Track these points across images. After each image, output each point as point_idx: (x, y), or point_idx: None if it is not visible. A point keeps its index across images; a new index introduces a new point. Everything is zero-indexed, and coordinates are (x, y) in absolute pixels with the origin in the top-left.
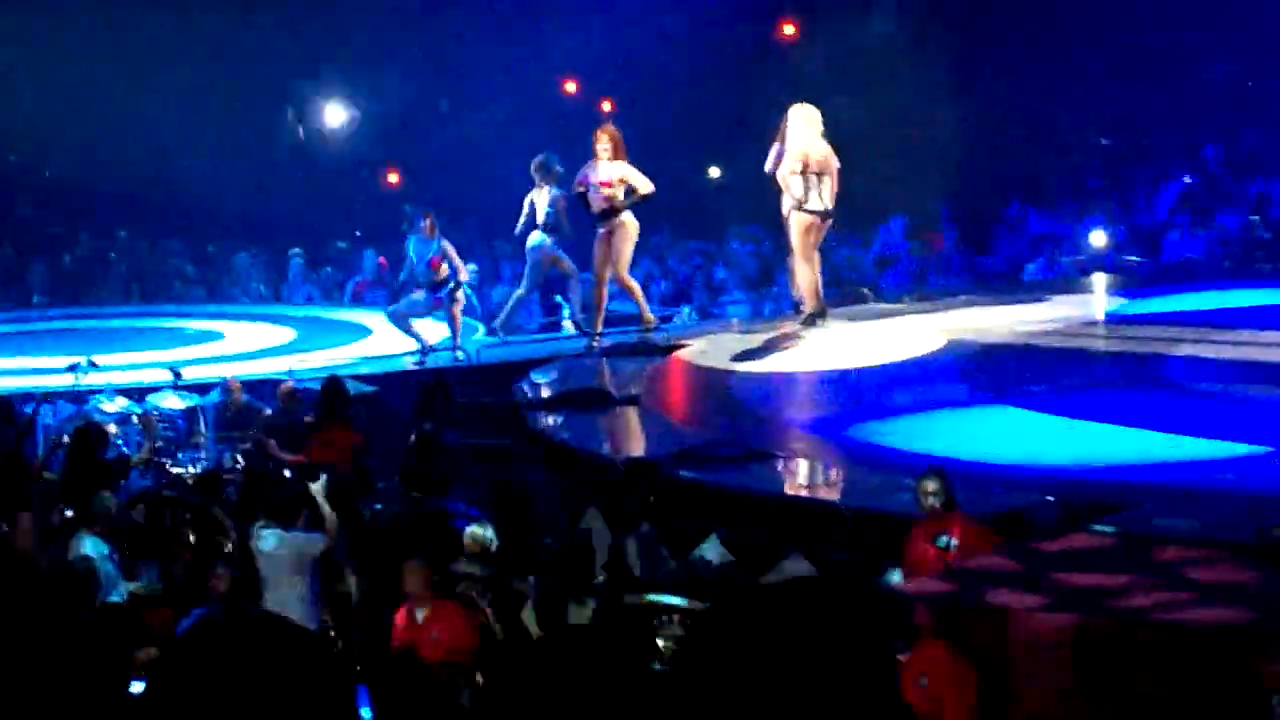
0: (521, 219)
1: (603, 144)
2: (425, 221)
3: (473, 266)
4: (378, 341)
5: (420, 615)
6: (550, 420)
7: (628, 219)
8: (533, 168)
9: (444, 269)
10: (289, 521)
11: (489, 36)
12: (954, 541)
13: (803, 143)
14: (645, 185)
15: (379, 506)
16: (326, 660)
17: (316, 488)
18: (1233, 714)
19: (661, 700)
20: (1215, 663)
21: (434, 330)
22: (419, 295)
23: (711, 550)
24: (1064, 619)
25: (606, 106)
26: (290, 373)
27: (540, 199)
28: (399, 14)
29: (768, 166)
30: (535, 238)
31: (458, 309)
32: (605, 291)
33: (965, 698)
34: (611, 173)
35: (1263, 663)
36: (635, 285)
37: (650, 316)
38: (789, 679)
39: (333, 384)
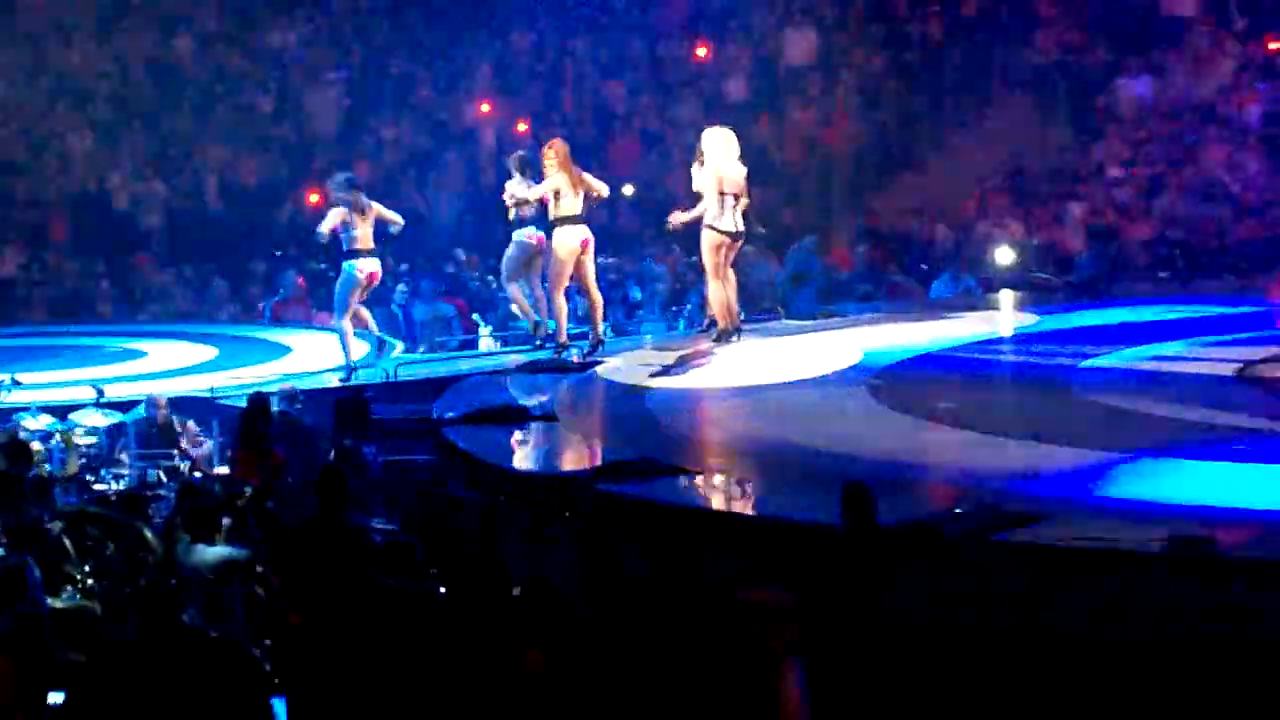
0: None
1: (549, 158)
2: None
3: (402, 287)
4: (298, 359)
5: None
6: (468, 437)
7: (559, 233)
8: (518, 163)
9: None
10: (211, 536)
11: (407, 57)
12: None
13: (718, 164)
14: (601, 187)
15: (299, 522)
16: (246, 670)
17: (241, 503)
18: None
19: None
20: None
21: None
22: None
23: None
24: None
25: (522, 127)
26: (212, 390)
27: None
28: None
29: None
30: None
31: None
32: (560, 301)
33: None
34: (559, 184)
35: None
36: (562, 303)
37: (564, 336)
38: (664, 685)
39: (255, 402)
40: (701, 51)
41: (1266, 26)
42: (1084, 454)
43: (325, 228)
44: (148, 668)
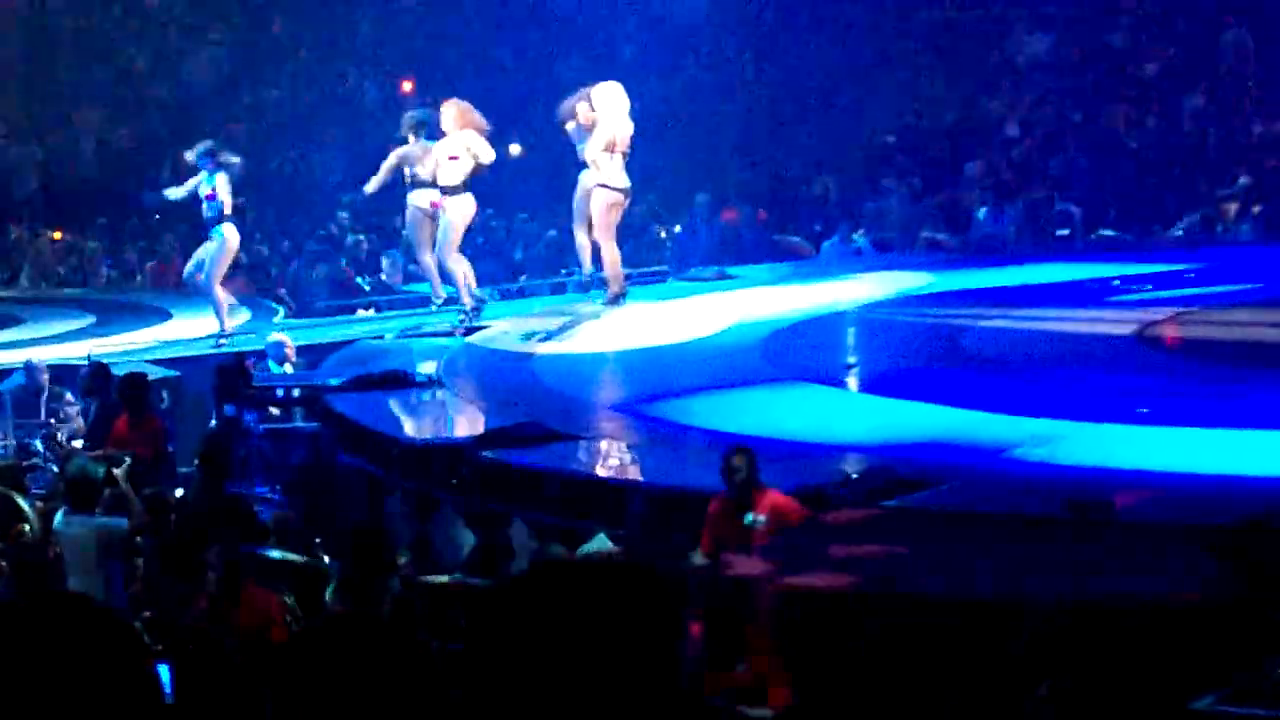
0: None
1: (448, 117)
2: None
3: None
4: (177, 325)
5: (223, 599)
6: (351, 403)
7: (467, 196)
8: (412, 123)
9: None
10: (90, 506)
11: (293, 20)
12: (761, 518)
13: (611, 122)
14: (487, 154)
15: (180, 491)
16: (128, 639)
17: (119, 473)
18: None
19: (451, 679)
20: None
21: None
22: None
23: (597, 546)
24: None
25: (407, 87)
26: (89, 357)
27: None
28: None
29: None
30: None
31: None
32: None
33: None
34: (457, 144)
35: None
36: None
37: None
38: (574, 660)
39: (132, 374)
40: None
41: None
42: (980, 416)
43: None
44: (23, 635)
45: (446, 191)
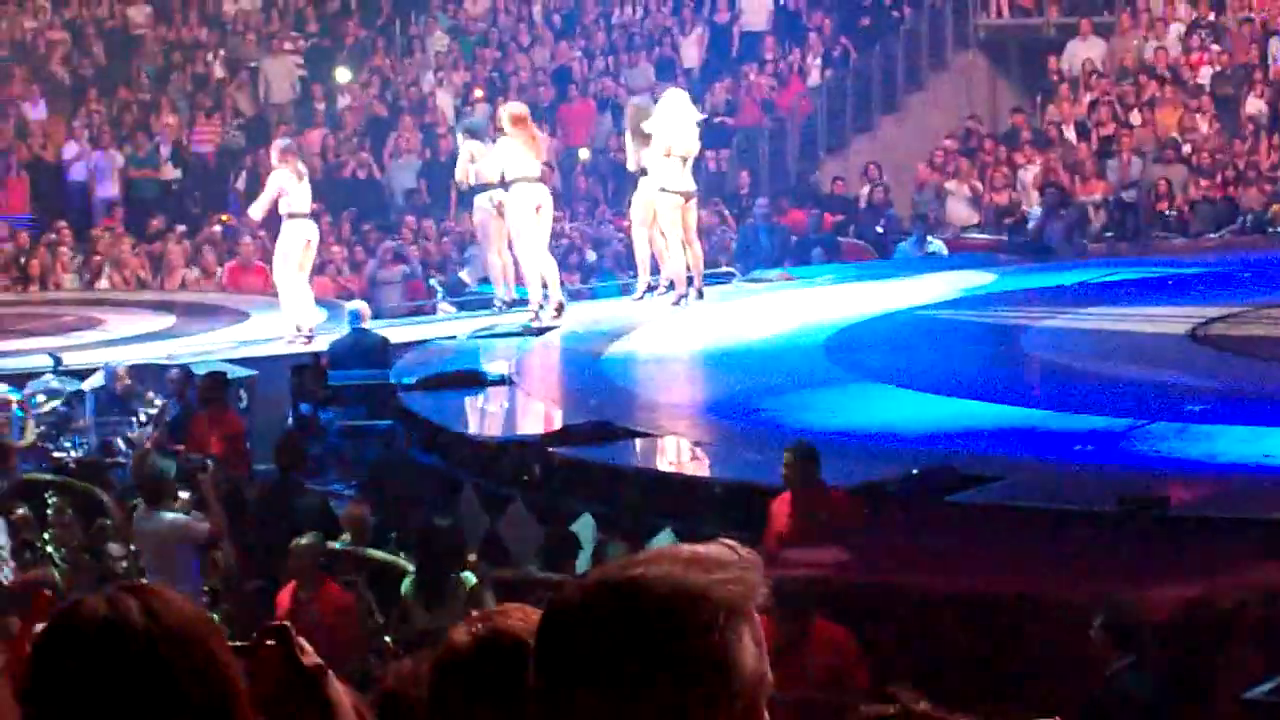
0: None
1: (505, 118)
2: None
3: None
4: (255, 325)
5: (303, 595)
6: (426, 401)
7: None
8: (464, 128)
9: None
10: (163, 501)
11: (368, 27)
12: (822, 515)
13: (672, 126)
14: (542, 154)
15: (259, 487)
16: (207, 629)
17: (204, 478)
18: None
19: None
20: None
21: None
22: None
23: (665, 539)
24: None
25: (478, 94)
26: (170, 358)
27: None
28: None
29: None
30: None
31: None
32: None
33: (859, 671)
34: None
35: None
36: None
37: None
38: (624, 681)
39: (211, 374)
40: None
41: None
42: (1037, 414)
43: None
44: (114, 633)
45: (509, 189)
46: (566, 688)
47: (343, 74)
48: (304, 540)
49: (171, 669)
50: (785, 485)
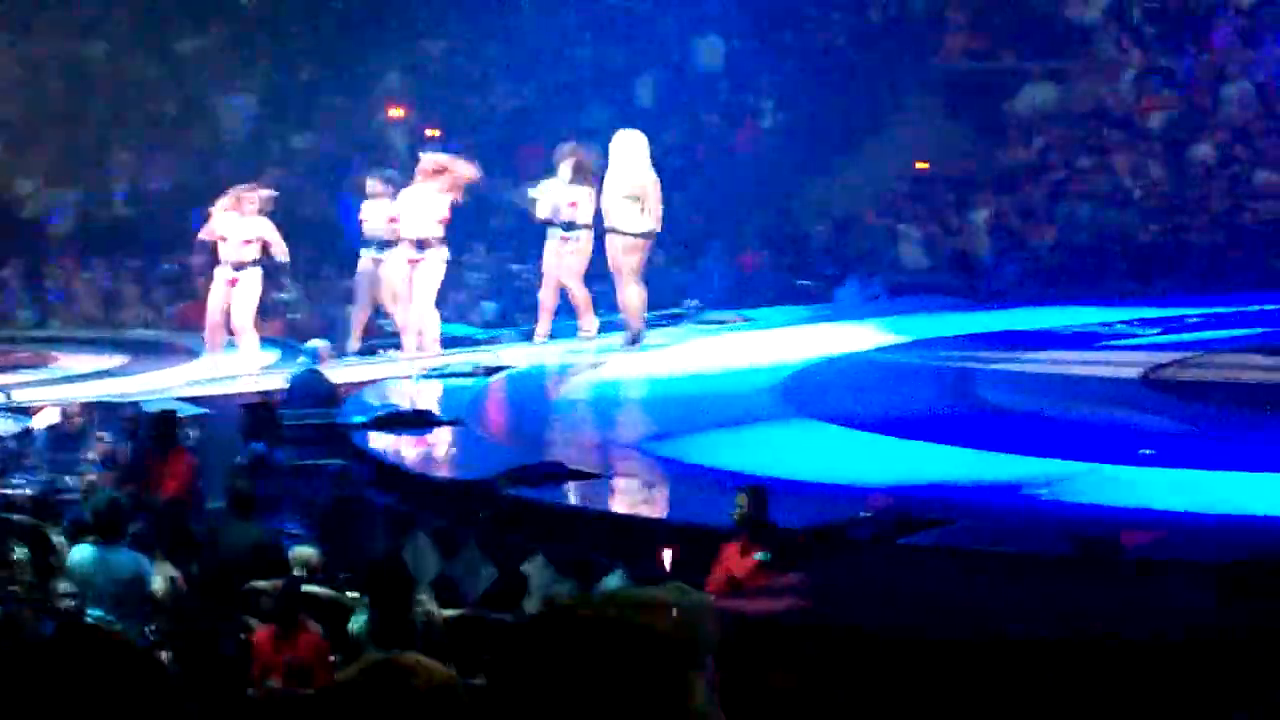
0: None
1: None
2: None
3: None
4: (206, 364)
5: (282, 636)
6: (378, 441)
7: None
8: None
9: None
10: (115, 538)
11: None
12: (767, 555)
13: (627, 167)
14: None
15: (209, 526)
16: (151, 670)
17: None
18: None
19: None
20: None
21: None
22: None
23: (614, 582)
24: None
25: (432, 134)
26: (122, 396)
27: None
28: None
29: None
30: None
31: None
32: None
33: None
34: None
35: None
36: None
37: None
38: (591, 697)
39: (162, 413)
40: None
41: (1170, 35)
42: (990, 457)
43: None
44: (48, 666)
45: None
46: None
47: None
48: (282, 581)
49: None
50: (737, 527)
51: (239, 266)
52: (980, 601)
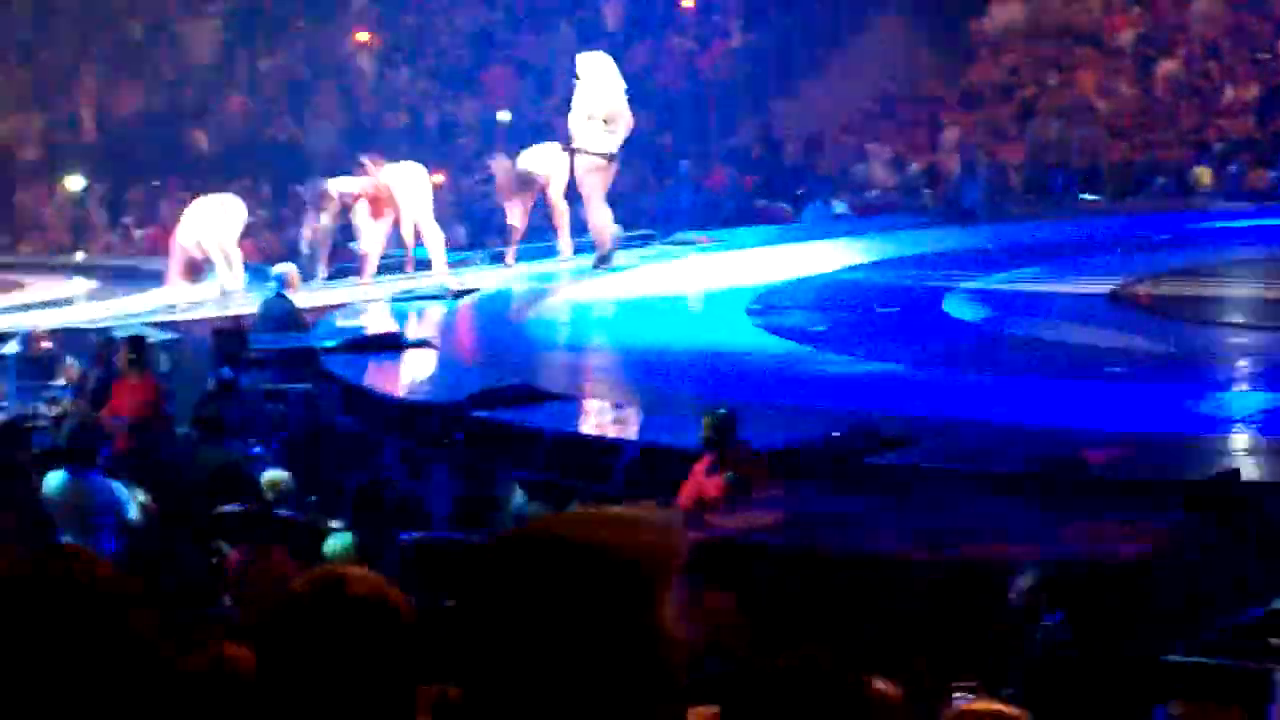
0: None
1: None
2: None
3: None
4: (176, 289)
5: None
6: (347, 365)
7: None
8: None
9: None
10: (86, 464)
11: None
12: (732, 475)
13: (594, 89)
14: None
15: (178, 451)
16: (126, 591)
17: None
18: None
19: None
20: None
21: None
22: None
23: (517, 500)
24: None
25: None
26: (91, 322)
27: None
28: None
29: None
30: None
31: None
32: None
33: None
34: None
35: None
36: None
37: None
38: (543, 635)
39: (131, 338)
40: None
41: None
42: (957, 376)
43: None
44: (27, 589)
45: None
46: (485, 643)
47: None
48: (252, 505)
49: (92, 631)
50: (705, 448)
51: None
52: (946, 520)
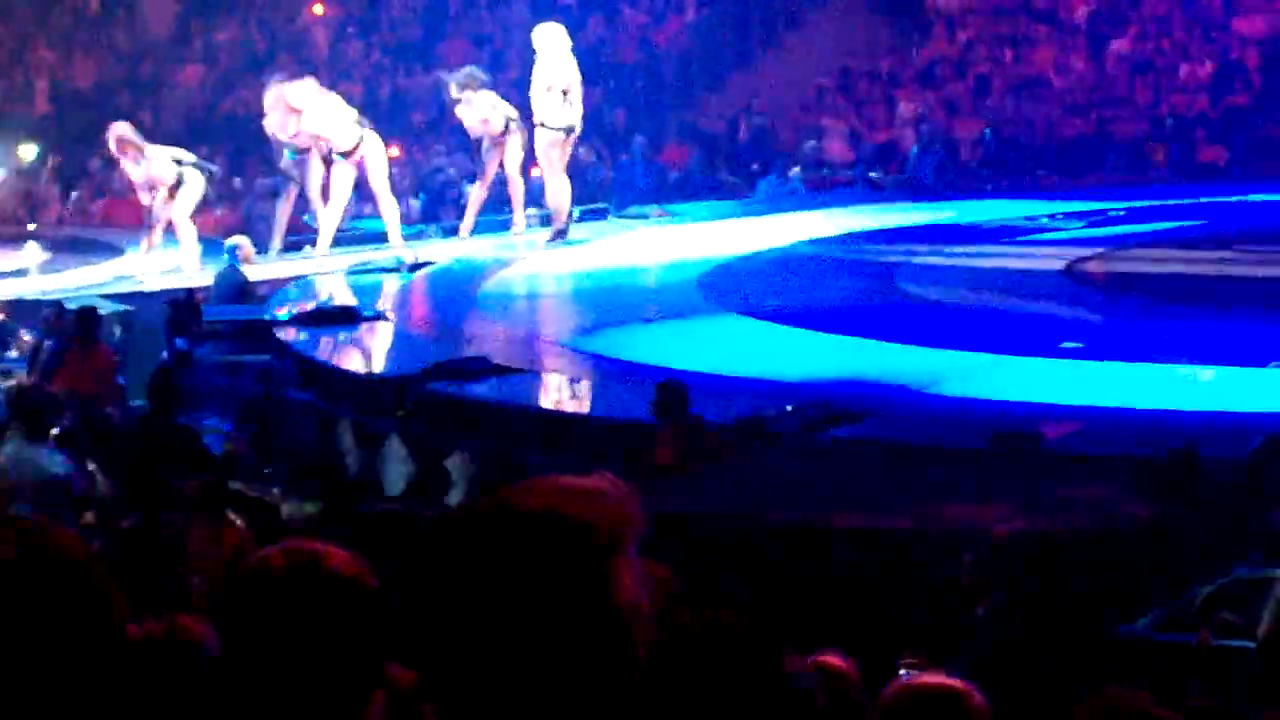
0: None
1: None
2: None
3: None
4: (130, 261)
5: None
6: (301, 337)
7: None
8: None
9: None
10: (39, 435)
11: None
12: (685, 448)
13: (551, 62)
14: None
15: (131, 423)
16: (86, 561)
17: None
18: None
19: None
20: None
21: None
22: None
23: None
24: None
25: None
26: (43, 293)
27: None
28: None
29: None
30: None
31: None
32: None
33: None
34: None
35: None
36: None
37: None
38: (500, 606)
39: (82, 309)
40: None
41: None
42: (912, 351)
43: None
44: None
45: None
46: (441, 616)
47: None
48: (206, 477)
49: (53, 600)
50: (658, 421)
51: None
52: (899, 494)
